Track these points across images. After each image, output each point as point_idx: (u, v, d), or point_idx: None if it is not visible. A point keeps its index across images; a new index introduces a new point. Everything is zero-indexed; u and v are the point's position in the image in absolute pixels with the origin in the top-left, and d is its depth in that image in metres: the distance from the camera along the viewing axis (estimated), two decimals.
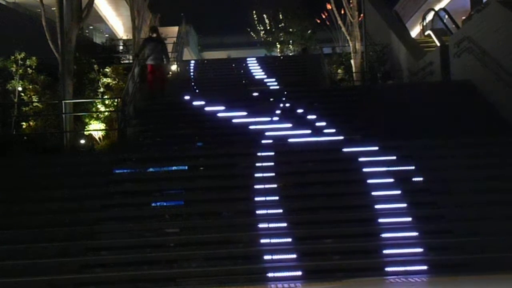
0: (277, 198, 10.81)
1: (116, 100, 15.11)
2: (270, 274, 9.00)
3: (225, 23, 47.35)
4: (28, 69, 15.88)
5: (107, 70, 16.84)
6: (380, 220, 10.02)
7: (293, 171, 11.47)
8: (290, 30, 35.93)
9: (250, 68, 22.96)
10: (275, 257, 9.44)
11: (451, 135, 12.50)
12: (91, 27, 35.59)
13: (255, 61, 24.09)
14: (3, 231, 9.98)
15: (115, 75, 16.58)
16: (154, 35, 16.42)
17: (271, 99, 15.99)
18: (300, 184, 11.16)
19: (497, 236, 9.41)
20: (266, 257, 9.42)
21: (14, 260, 9.38)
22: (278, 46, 36.29)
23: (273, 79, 20.76)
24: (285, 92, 17.33)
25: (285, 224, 10.16)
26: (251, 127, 14.15)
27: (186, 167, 11.94)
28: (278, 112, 14.84)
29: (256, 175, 11.48)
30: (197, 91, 19.23)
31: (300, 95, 16.43)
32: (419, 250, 9.40)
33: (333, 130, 13.61)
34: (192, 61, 26.72)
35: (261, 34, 39.46)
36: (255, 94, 16.72)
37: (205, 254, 9.50)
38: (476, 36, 14.72)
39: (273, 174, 11.49)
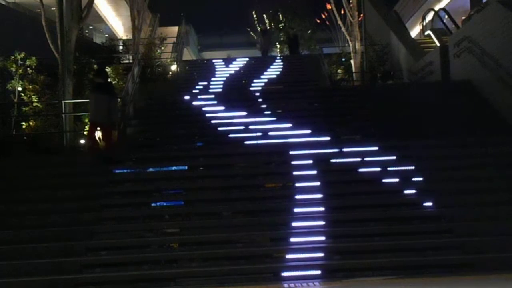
0: (276, 197, 10.83)
1: None
2: (269, 274, 9.00)
3: (225, 23, 47.39)
4: (28, 69, 15.89)
5: (107, 70, 16.83)
6: (380, 221, 10.03)
7: (293, 171, 11.46)
8: (290, 30, 35.85)
9: (250, 67, 22.91)
10: (275, 257, 9.45)
11: (450, 135, 12.51)
12: (91, 27, 35.58)
13: (254, 61, 24.08)
14: (4, 231, 9.98)
15: (115, 75, 16.58)
16: (100, 80, 11.97)
17: (270, 99, 15.99)
18: (300, 184, 11.15)
19: (497, 236, 9.41)
20: (266, 257, 9.42)
21: (14, 260, 9.37)
22: (278, 46, 36.24)
23: (273, 79, 20.71)
24: (285, 92, 17.37)
25: (284, 225, 10.16)
26: (250, 127, 14.16)
27: (186, 167, 11.96)
28: (277, 111, 14.88)
29: (256, 175, 11.51)
30: (197, 90, 19.18)
31: (300, 95, 16.45)
32: (418, 250, 9.40)
33: (333, 130, 13.61)
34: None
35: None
36: (255, 94, 16.71)
37: (205, 254, 9.50)
38: (476, 36, 14.72)
39: (272, 173, 11.50)
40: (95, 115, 11.74)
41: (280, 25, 36.29)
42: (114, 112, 11.84)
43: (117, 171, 11.77)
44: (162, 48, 23.91)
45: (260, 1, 38.19)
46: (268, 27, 31.22)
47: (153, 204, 10.97)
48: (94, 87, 12.18)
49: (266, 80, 20.34)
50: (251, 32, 39.60)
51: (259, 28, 30.32)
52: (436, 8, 27.95)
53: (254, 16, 39.43)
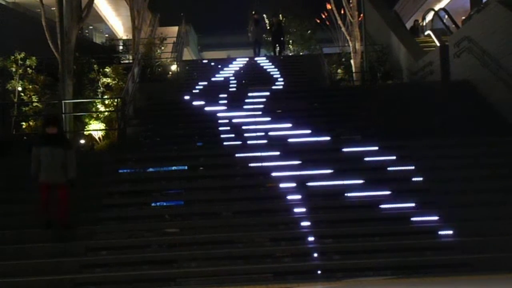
0: (276, 197, 10.83)
1: (116, 100, 15.12)
2: (269, 274, 9.01)
3: (225, 23, 47.35)
4: (28, 69, 15.88)
5: (107, 70, 16.83)
6: (380, 221, 10.02)
7: (292, 171, 11.46)
8: (290, 30, 35.86)
9: (250, 67, 22.90)
10: (275, 257, 9.45)
11: (451, 135, 12.51)
12: (91, 27, 35.53)
13: (254, 61, 24.05)
14: (4, 231, 9.98)
15: (115, 75, 16.58)
16: (54, 130, 10.07)
17: (270, 99, 15.98)
18: (300, 184, 11.15)
19: (497, 236, 9.41)
20: (266, 257, 9.42)
21: (14, 260, 9.38)
22: (278, 46, 36.21)
23: (273, 79, 20.72)
24: (285, 92, 17.36)
25: (284, 224, 10.16)
26: (250, 126, 14.15)
27: (186, 167, 11.96)
28: (277, 111, 14.87)
29: (256, 174, 11.51)
30: (197, 90, 19.16)
31: (300, 95, 16.43)
32: (418, 250, 9.40)
33: (333, 130, 13.61)
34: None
35: None
36: (256, 93, 16.71)
37: (205, 254, 9.51)
38: (476, 36, 14.72)
39: (272, 174, 11.49)
40: (49, 174, 9.80)
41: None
42: (72, 168, 9.95)
43: (117, 171, 11.78)
44: (162, 48, 23.89)
45: (261, 1, 38.20)
46: (263, 16, 29.26)
47: (153, 204, 10.98)
48: (45, 139, 10.01)
49: (266, 80, 20.31)
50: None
51: (254, 15, 27.36)
52: (436, 8, 27.94)
53: (254, 16, 39.39)
